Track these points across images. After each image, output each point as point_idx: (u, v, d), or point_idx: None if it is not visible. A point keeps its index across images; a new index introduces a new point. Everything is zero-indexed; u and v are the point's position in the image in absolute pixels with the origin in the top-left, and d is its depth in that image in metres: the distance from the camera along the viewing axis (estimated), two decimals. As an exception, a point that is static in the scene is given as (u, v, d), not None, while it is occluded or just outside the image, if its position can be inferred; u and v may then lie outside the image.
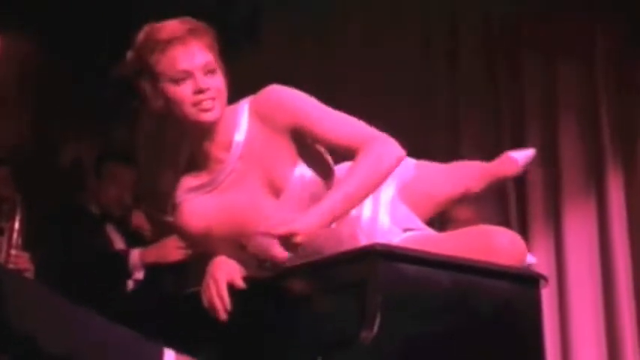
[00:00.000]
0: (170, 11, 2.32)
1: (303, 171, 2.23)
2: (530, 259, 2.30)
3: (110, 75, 2.35)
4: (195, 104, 2.18)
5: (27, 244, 3.14)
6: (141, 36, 2.24)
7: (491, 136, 4.43)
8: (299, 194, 2.21)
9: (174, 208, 2.30)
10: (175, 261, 3.48)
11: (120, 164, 3.84)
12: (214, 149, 2.25)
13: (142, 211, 3.82)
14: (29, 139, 4.73)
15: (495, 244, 2.17)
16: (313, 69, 4.72)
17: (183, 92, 2.18)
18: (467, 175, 2.73)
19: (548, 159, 4.26)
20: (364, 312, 1.90)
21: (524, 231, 4.16)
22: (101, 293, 3.24)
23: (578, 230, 4.17)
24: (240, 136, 2.23)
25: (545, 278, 2.23)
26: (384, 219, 2.35)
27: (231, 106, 2.25)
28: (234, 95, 2.27)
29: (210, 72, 2.19)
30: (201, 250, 2.34)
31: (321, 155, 2.29)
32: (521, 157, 2.93)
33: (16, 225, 3.11)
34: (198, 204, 2.26)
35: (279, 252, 2.10)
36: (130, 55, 2.26)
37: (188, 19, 2.24)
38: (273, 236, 2.05)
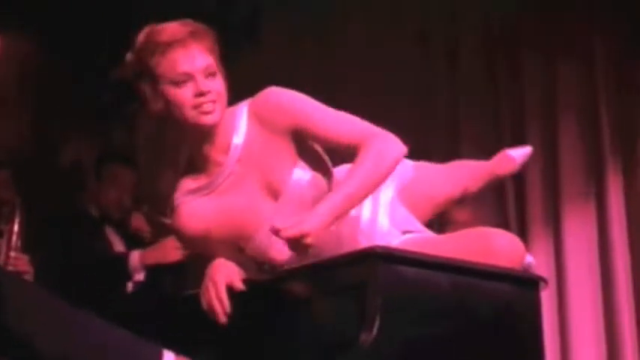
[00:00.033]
0: (170, 11, 2.32)
1: (301, 173, 2.23)
2: (529, 258, 2.30)
3: (110, 77, 2.35)
4: (196, 107, 2.18)
5: (26, 247, 3.14)
6: (141, 38, 2.24)
7: (491, 136, 4.43)
8: (297, 197, 2.21)
9: (172, 210, 2.29)
10: (175, 261, 3.48)
11: (120, 166, 3.83)
12: (213, 152, 2.25)
13: (142, 213, 3.82)
14: (29, 139, 4.73)
15: (494, 246, 2.17)
16: (313, 69, 4.72)
17: (183, 95, 2.18)
18: (465, 174, 2.73)
19: (547, 159, 4.26)
20: (364, 314, 1.90)
21: (523, 233, 4.16)
22: (101, 296, 3.24)
23: (578, 231, 4.17)
24: (238, 138, 2.23)
25: (544, 280, 2.23)
26: (384, 221, 2.35)
27: (230, 109, 2.25)
28: (235, 95, 2.27)
29: (210, 75, 2.19)
30: (200, 253, 2.34)
31: (319, 156, 2.30)
32: (519, 154, 2.94)
33: (16, 227, 3.11)
34: (197, 206, 2.26)
35: (278, 254, 2.09)
36: (129, 56, 2.26)
37: (189, 21, 2.24)
38: (283, 239, 2.03)
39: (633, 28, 4.18)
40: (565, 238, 4.17)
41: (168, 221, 2.39)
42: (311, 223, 2.03)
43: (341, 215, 2.12)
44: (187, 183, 2.29)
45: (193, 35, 2.19)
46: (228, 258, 2.24)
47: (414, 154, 2.42)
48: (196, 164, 2.29)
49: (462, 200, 2.81)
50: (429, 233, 2.38)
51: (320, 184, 2.25)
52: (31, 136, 4.76)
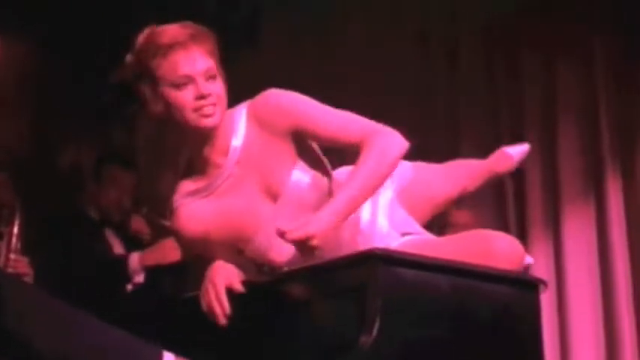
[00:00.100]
0: (170, 11, 2.33)
1: (300, 175, 2.23)
2: (528, 259, 2.30)
3: (110, 78, 2.35)
4: (196, 110, 2.18)
5: (26, 249, 3.14)
6: (141, 39, 2.24)
7: (491, 136, 4.42)
8: (296, 198, 2.21)
9: (171, 212, 2.30)
10: (174, 262, 3.48)
11: (119, 167, 3.82)
12: (212, 154, 2.25)
13: (142, 215, 3.82)
14: (29, 140, 4.73)
15: (494, 248, 2.17)
16: (313, 69, 4.72)
17: (184, 97, 2.18)
18: (463, 174, 2.73)
19: (547, 160, 4.26)
20: (363, 316, 1.90)
21: (522, 235, 4.16)
22: (101, 298, 3.24)
23: (577, 233, 4.17)
24: (237, 141, 2.23)
25: (544, 283, 2.23)
26: (383, 222, 2.35)
27: (229, 111, 2.25)
28: (235, 95, 2.27)
29: (211, 78, 2.19)
30: (200, 254, 2.34)
31: (318, 157, 2.30)
32: (517, 152, 2.94)
33: (16, 229, 3.12)
34: (196, 208, 2.26)
35: (277, 255, 2.09)
36: (129, 58, 2.26)
37: (189, 23, 2.24)
38: (288, 241, 2.03)
39: (633, 28, 4.18)
40: (565, 240, 4.17)
41: (167, 223, 2.39)
42: (317, 225, 2.03)
43: (347, 216, 2.12)
44: (186, 185, 2.29)
45: (194, 38, 2.19)
46: (228, 260, 2.24)
47: (414, 154, 2.42)
48: (196, 166, 2.29)
49: (460, 199, 2.81)
50: (429, 235, 2.38)
51: (319, 185, 2.25)
52: (31, 137, 4.76)
